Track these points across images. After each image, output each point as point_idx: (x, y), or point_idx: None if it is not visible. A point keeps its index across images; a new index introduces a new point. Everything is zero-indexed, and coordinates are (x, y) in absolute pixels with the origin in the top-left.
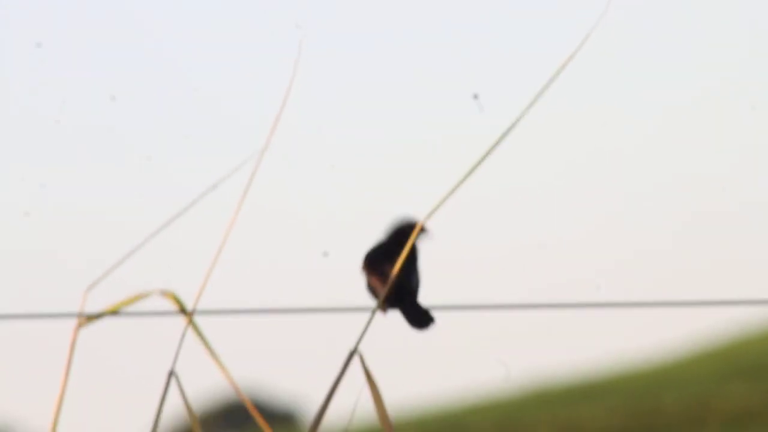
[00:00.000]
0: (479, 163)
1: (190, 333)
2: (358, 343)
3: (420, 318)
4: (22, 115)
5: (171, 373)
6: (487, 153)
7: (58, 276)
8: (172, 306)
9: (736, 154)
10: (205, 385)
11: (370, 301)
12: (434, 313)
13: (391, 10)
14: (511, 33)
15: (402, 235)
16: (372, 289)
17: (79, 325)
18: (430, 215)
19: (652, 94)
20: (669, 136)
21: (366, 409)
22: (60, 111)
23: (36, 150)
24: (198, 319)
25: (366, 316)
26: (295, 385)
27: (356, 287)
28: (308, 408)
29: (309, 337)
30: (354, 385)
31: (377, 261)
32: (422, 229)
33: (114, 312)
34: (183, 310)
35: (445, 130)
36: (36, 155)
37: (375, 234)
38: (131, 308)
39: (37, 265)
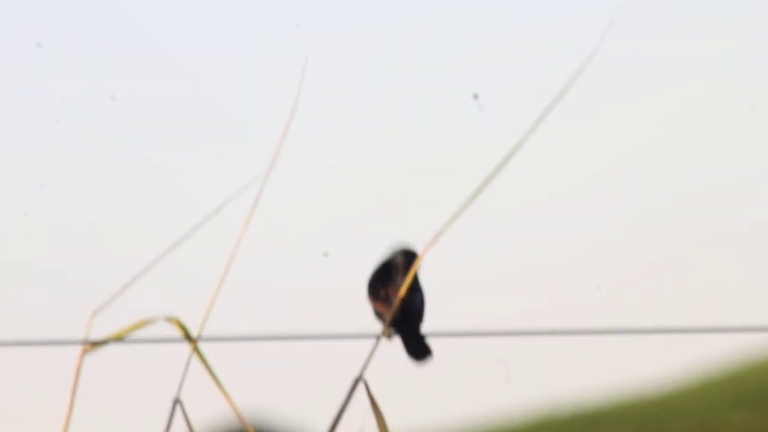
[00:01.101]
0: (485, 183)
1: (195, 361)
2: (363, 370)
3: (419, 350)
4: (22, 115)
5: (176, 400)
6: (495, 172)
7: (58, 290)
8: (176, 332)
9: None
10: (211, 412)
11: (375, 327)
12: (432, 345)
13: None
14: (511, 33)
15: (403, 259)
16: (378, 314)
17: (84, 352)
18: (432, 241)
19: (651, 98)
20: (671, 141)
21: None
22: (60, 111)
23: (36, 150)
24: (203, 346)
25: (371, 342)
26: (301, 411)
27: (362, 312)
28: None
29: (314, 362)
30: (359, 412)
31: (379, 286)
32: (421, 256)
33: (119, 338)
34: (188, 337)
35: (449, 135)
36: (36, 155)
37: (377, 246)
38: (136, 334)
39: (37, 277)
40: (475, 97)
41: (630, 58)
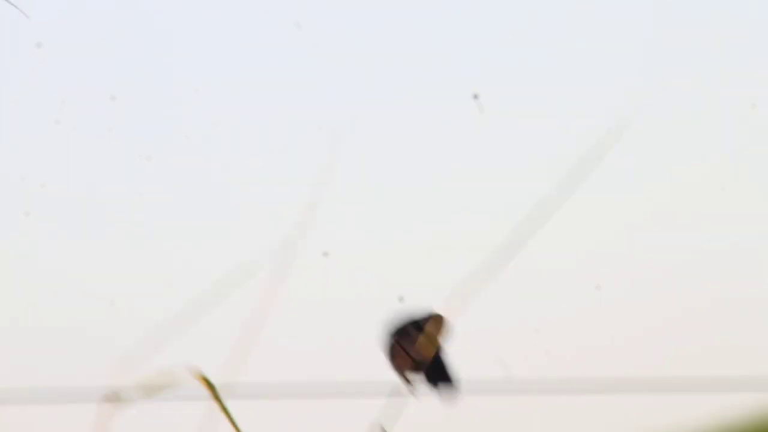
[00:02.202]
0: (515, 249)
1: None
2: (383, 419)
3: (446, 380)
4: (22, 115)
5: None
6: (527, 234)
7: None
8: (200, 386)
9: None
10: None
11: (399, 384)
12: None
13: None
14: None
15: (420, 323)
16: (398, 368)
17: (112, 411)
18: (454, 306)
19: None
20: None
21: None
22: (60, 111)
23: (36, 150)
24: (227, 401)
25: (397, 398)
26: None
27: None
28: None
29: (336, 414)
30: None
31: (398, 343)
32: (443, 322)
33: (146, 395)
34: (215, 396)
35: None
36: (36, 155)
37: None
38: (161, 390)
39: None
40: (475, 97)
41: (630, 56)
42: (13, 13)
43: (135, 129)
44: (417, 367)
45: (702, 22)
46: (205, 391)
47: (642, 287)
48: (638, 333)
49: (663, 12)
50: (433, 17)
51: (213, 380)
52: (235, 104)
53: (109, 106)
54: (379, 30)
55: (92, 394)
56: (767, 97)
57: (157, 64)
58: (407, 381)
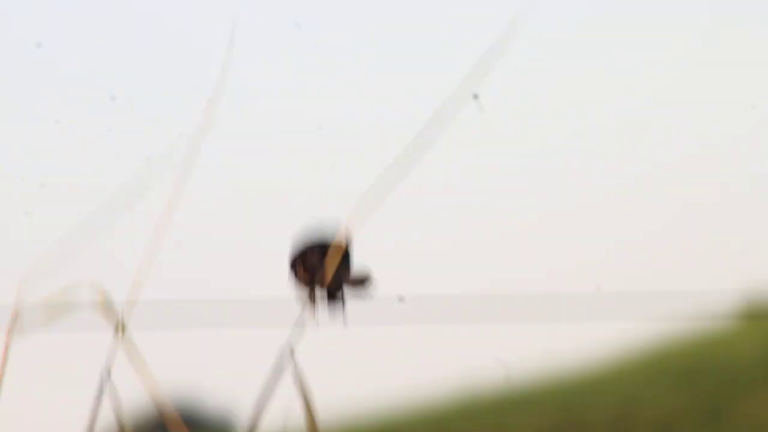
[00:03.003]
0: (412, 158)
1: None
2: (290, 341)
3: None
4: (22, 114)
5: (104, 378)
6: (422, 149)
7: None
8: (101, 300)
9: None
10: (140, 391)
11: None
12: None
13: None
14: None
15: (323, 234)
16: (299, 282)
17: (12, 330)
18: (358, 217)
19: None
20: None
21: (300, 414)
22: (60, 111)
23: (36, 150)
24: (129, 323)
25: (297, 312)
26: (231, 389)
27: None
28: (244, 413)
29: (245, 336)
30: (286, 390)
31: (299, 255)
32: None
33: (45, 322)
34: (115, 323)
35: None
36: (36, 155)
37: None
38: (63, 317)
39: None
40: (475, 97)
41: (628, 54)
42: (13, 13)
43: (135, 129)
44: (315, 282)
45: (701, 22)
46: (107, 315)
47: None
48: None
49: (661, 12)
50: (433, 17)
51: (116, 301)
52: (235, 104)
53: (109, 106)
54: (379, 30)
55: None
56: (767, 97)
57: (157, 64)
58: (311, 297)
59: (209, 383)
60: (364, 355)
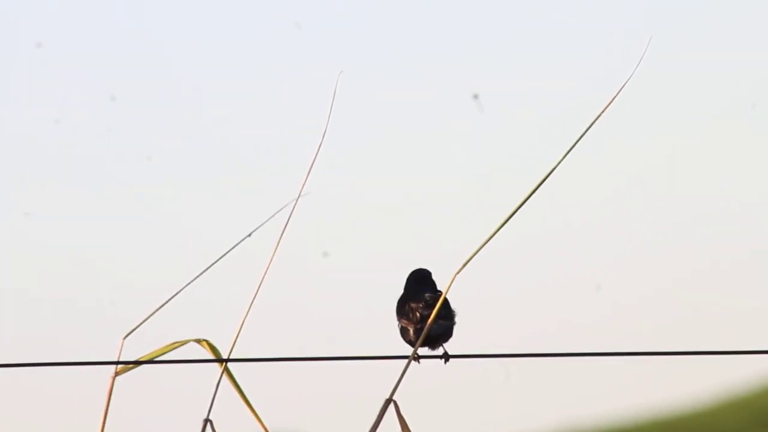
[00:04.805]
0: (512, 214)
1: (225, 380)
2: (393, 391)
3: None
4: (22, 114)
5: (206, 420)
6: (521, 204)
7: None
8: (207, 354)
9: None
10: None
11: (405, 349)
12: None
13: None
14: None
15: (419, 281)
16: (404, 332)
17: (117, 374)
18: (459, 270)
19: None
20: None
21: None
22: (60, 111)
23: (36, 150)
24: (233, 367)
25: (401, 364)
26: None
27: (392, 335)
28: None
29: (345, 383)
30: None
31: (404, 305)
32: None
33: (150, 360)
34: (218, 358)
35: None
36: (36, 155)
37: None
38: (167, 356)
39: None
40: (475, 97)
41: (626, 56)
42: (13, 13)
43: (135, 129)
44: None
45: (701, 21)
46: (209, 355)
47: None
48: None
49: (661, 12)
50: (433, 17)
51: (218, 346)
52: (235, 104)
53: (109, 106)
54: (379, 30)
55: (102, 360)
56: (767, 97)
57: (157, 64)
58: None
59: (311, 427)
60: (464, 401)
